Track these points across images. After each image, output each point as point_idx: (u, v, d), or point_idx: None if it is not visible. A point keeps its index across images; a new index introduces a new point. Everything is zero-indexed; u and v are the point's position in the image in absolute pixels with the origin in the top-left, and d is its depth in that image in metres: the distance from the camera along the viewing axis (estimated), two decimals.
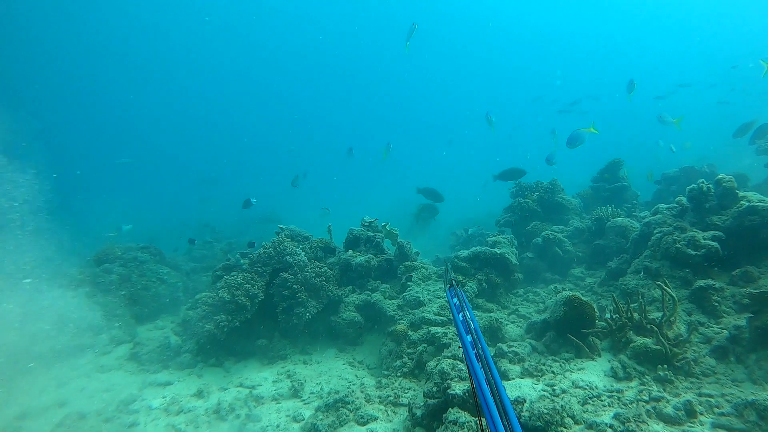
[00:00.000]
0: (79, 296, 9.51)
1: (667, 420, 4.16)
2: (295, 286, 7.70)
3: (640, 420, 4.11)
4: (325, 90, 68.17)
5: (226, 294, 7.50)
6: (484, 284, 7.84)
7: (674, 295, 5.45)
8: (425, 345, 6.37)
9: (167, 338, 8.69)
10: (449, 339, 6.21)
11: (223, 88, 64.67)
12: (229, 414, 5.82)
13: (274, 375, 6.95)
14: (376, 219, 9.85)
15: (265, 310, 7.86)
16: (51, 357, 8.16)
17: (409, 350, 6.58)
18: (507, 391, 4.93)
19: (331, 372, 6.91)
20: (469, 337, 2.49)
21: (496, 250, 8.04)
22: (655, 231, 7.14)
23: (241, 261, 10.42)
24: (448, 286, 3.18)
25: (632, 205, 10.67)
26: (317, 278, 7.87)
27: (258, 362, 7.48)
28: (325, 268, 8.15)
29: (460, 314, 2.88)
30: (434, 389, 5.17)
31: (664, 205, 7.54)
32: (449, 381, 4.99)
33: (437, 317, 6.90)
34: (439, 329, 6.47)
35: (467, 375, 5.39)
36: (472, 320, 2.76)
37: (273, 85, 66.67)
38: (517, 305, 7.83)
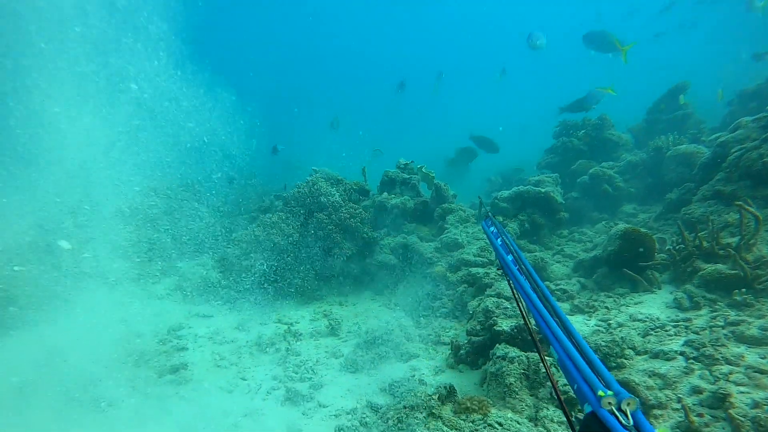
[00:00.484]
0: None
1: (752, 341, 3.74)
2: (329, 227, 7.51)
3: (718, 344, 3.72)
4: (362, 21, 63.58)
5: (261, 232, 7.41)
6: (527, 225, 7.40)
7: (758, 213, 4.81)
8: (465, 286, 6.10)
9: (208, 274, 8.81)
10: (491, 279, 5.90)
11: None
12: (270, 347, 5.81)
13: (311, 313, 6.91)
14: (412, 161, 9.43)
15: (300, 250, 7.75)
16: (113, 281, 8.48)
17: (448, 291, 6.34)
18: None
19: (367, 313, 6.80)
20: (510, 256, 2.56)
21: (540, 188, 7.52)
22: (733, 150, 6.34)
23: (276, 203, 10.35)
24: (484, 217, 3.38)
25: (698, 131, 9.69)
26: (352, 219, 7.64)
27: (294, 301, 7.46)
28: (360, 210, 7.90)
29: (499, 239, 2.99)
30: (478, 327, 4.94)
31: (749, 118, 6.65)
32: (495, 318, 4.72)
33: (477, 258, 6.58)
34: (480, 270, 6.16)
35: (513, 312, 5.12)
36: (511, 244, 2.80)
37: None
38: (562, 245, 7.38)
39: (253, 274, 7.21)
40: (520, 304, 2.05)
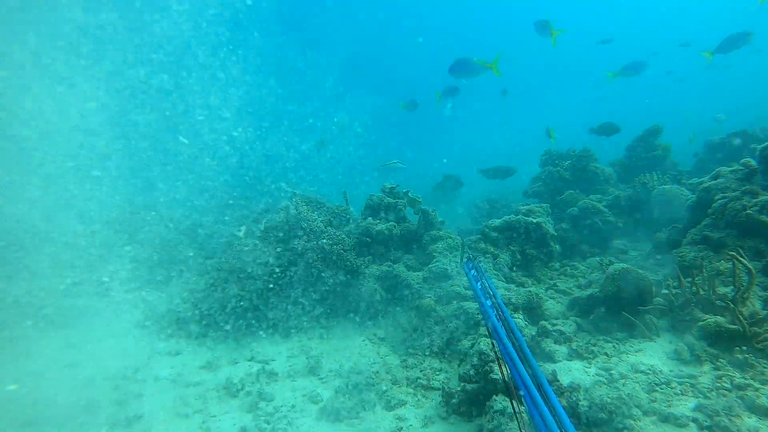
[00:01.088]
0: None
1: (763, 413, 3.45)
2: (309, 254, 7.03)
3: (732, 413, 3.40)
4: None
5: (234, 260, 6.88)
6: (518, 256, 7.10)
7: (750, 266, 4.65)
8: (457, 322, 5.70)
9: (178, 304, 8.17)
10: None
11: None
12: (240, 390, 5.25)
13: (288, 350, 6.37)
14: (397, 185, 9.09)
15: (279, 280, 7.24)
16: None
17: (436, 327, 5.93)
18: (557, 375, 4.25)
19: (350, 348, 6.31)
20: (489, 302, 2.70)
21: (531, 219, 7.25)
22: (717, 197, 6.28)
23: (253, 228, 9.81)
24: (465, 258, 3.66)
25: (678, 173, 9.70)
26: (334, 246, 7.19)
27: (271, 335, 6.90)
28: (343, 236, 7.46)
29: (479, 283, 3.20)
30: (472, 372, 4.53)
31: (727, 168, 6.65)
32: (491, 364, 4.32)
33: (468, 291, 6.20)
34: (472, 305, 5.77)
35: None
36: (491, 288, 2.98)
37: None
38: (555, 280, 7.09)
39: (226, 306, 6.64)
40: (496, 350, 2.14)
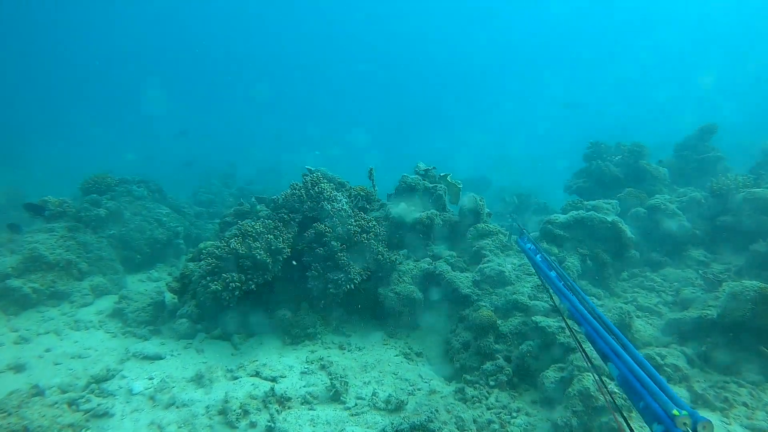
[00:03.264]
0: (57, 231, 7.56)
1: None
2: (333, 243, 5.64)
3: None
4: None
5: (239, 245, 5.46)
6: (589, 261, 5.77)
7: None
8: (528, 343, 4.35)
9: (161, 294, 6.72)
10: (567, 337, 4.17)
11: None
12: (242, 419, 3.87)
13: (301, 362, 4.99)
14: (434, 167, 7.70)
15: (291, 271, 5.85)
16: (13, 302, 6.32)
17: (497, 346, 4.58)
18: None
19: (381, 366, 4.95)
20: (553, 273, 2.74)
21: (606, 216, 5.91)
22: None
23: (258, 207, 8.37)
24: (519, 234, 3.92)
25: (758, 176, 8.42)
26: (363, 235, 5.80)
27: (278, 340, 5.53)
28: (374, 223, 6.08)
29: (538, 255, 3.38)
30: (574, 422, 3.19)
31: None
32: (599, 408, 3.00)
33: (535, 302, 4.86)
34: (548, 321, 4.42)
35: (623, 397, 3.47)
36: (551, 260, 3.13)
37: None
38: (629, 292, 5.78)
39: (224, 300, 5.23)
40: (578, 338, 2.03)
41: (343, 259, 5.60)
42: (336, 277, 5.50)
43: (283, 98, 63.09)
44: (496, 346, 4.58)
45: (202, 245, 6.77)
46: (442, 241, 6.59)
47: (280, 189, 6.87)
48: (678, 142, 11.30)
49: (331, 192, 6.19)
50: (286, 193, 6.35)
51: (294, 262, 5.83)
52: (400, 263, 5.99)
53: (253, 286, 5.42)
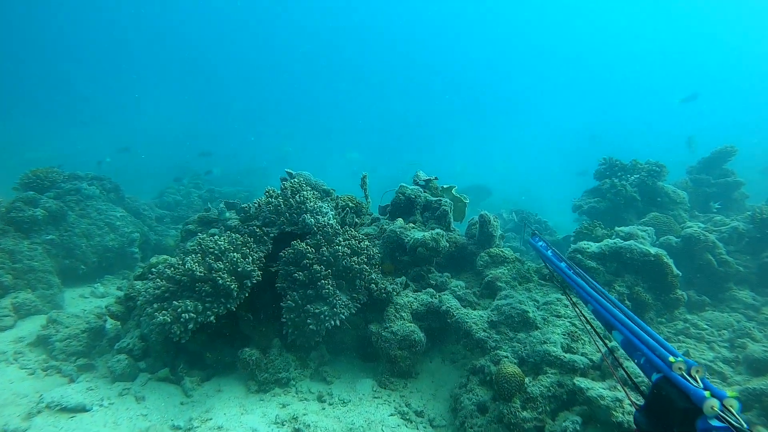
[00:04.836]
0: None
1: None
2: (316, 267, 4.60)
3: None
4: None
5: (197, 265, 4.39)
6: (627, 301, 4.86)
7: None
8: (571, 418, 3.37)
9: (102, 318, 5.58)
10: (624, 412, 3.21)
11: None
12: None
13: (269, 422, 3.92)
14: (435, 177, 6.77)
15: (261, 298, 4.81)
16: None
17: (524, 413, 3.60)
18: None
19: (372, 427, 3.91)
20: (563, 264, 2.95)
21: (649, 248, 5.02)
22: None
23: (227, 214, 7.27)
24: (531, 235, 4.08)
25: None
26: (353, 258, 4.78)
27: (241, 386, 4.47)
28: (367, 242, 5.06)
29: (549, 251, 3.43)
30: None
31: None
32: None
33: (573, 357, 3.89)
34: (599, 389, 3.44)
35: None
36: (560, 254, 3.32)
37: None
38: (674, 341, 4.88)
39: (175, 335, 4.14)
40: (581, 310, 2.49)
41: (328, 288, 4.56)
42: (318, 310, 4.46)
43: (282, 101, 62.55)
44: (524, 413, 3.59)
45: (154, 260, 5.67)
46: (447, 267, 5.62)
47: (261, 193, 5.86)
48: (691, 164, 10.70)
49: (315, 203, 5.17)
50: (261, 200, 5.31)
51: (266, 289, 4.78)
52: (398, 293, 4.98)
53: (212, 318, 4.33)
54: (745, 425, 1.21)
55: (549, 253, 3.41)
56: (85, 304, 6.81)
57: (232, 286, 4.41)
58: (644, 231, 5.79)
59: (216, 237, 4.92)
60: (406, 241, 5.39)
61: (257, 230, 5.09)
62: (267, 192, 5.36)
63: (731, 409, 1.26)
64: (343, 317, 4.52)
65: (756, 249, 6.29)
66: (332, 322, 4.46)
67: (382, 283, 4.85)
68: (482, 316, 4.58)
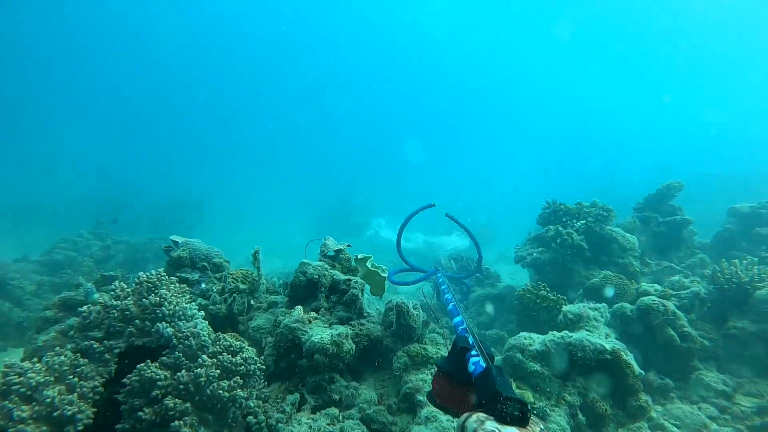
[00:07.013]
0: None
1: None
2: (169, 402, 3.42)
3: None
4: None
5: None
6: (581, 416, 3.95)
7: None
8: None
9: None
10: None
11: None
12: None
13: None
14: (348, 245, 5.75)
15: None
16: None
17: None
18: None
19: None
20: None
21: (603, 343, 4.17)
22: None
23: (95, 296, 5.92)
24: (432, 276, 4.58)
25: (762, 259, 7.18)
26: (223, 382, 3.64)
27: None
28: (247, 352, 3.93)
29: (448, 293, 3.36)
30: None
31: None
32: None
33: None
34: None
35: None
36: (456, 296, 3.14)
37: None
38: None
39: None
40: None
41: (185, 431, 3.38)
42: None
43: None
44: None
45: None
46: (359, 364, 4.56)
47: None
48: (638, 201, 10.27)
49: (177, 305, 4.00)
50: (104, 302, 4.06)
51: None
52: (288, 420, 3.86)
53: None
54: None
55: (448, 296, 3.17)
56: None
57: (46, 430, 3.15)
58: (595, 310, 5.00)
59: (32, 362, 3.63)
60: (303, 341, 4.30)
61: (95, 345, 3.86)
62: (114, 289, 4.13)
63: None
64: None
65: (718, 316, 5.65)
66: None
67: (264, 416, 3.72)
68: None
